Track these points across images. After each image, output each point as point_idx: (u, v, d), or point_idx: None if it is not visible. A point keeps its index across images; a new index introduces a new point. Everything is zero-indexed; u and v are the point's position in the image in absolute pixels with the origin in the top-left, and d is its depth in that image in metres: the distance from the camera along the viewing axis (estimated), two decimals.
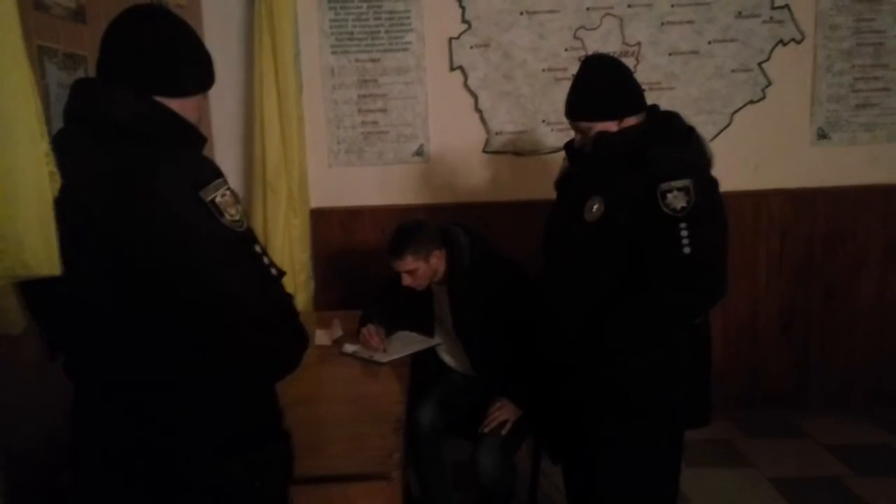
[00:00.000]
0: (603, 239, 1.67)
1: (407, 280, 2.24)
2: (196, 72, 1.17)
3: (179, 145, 1.08)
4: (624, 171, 1.66)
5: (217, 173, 1.07)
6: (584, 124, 1.73)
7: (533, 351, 1.90)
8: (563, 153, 1.91)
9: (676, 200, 1.56)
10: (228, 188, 1.06)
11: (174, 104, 1.12)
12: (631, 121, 1.71)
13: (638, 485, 1.77)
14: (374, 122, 3.11)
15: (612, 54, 2.94)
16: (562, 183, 1.94)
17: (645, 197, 1.59)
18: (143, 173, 1.02)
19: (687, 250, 1.55)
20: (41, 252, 0.91)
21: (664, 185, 1.57)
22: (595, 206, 1.68)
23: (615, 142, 1.69)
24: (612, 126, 1.70)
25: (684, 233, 1.55)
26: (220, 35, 2.96)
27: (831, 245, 3.19)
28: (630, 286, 1.63)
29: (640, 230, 1.61)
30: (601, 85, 1.71)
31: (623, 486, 1.77)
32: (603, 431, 1.76)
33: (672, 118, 1.77)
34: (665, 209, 1.56)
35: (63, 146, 1.03)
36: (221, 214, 1.03)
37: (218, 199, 1.03)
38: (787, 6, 3.04)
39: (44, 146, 0.93)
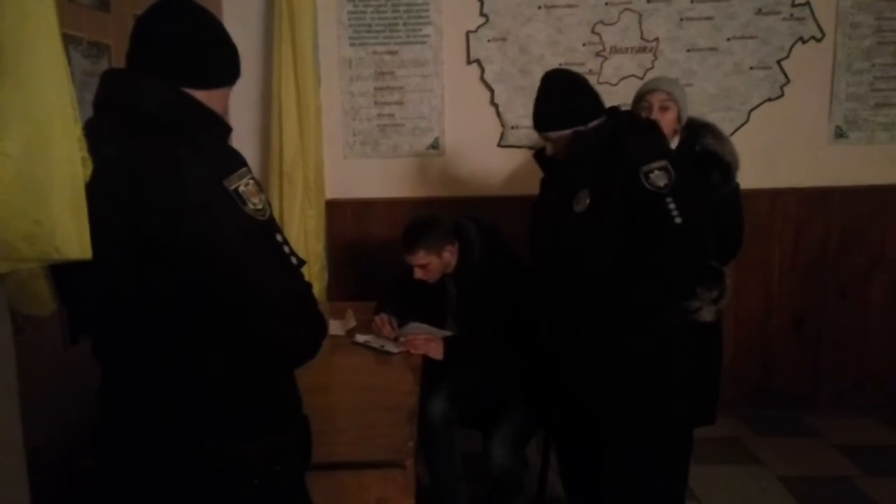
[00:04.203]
0: (593, 226, 1.78)
1: (419, 273, 2.27)
2: (224, 64, 1.19)
3: (205, 135, 1.10)
4: (605, 162, 1.78)
5: (241, 163, 1.08)
6: (553, 134, 1.86)
7: (533, 342, 1.97)
8: None
9: (659, 179, 1.71)
10: (252, 177, 1.08)
11: (201, 95, 1.14)
12: (596, 123, 1.83)
13: (644, 473, 1.83)
14: (391, 115, 3.12)
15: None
16: (543, 183, 2.08)
17: (628, 180, 1.73)
18: (169, 162, 1.03)
19: (679, 220, 1.70)
20: (73, 236, 0.92)
21: (645, 167, 1.72)
22: (584, 199, 1.80)
23: (590, 138, 1.82)
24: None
25: (672, 206, 1.70)
26: (239, 26, 2.97)
27: (846, 244, 3.17)
28: (628, 263, 1.74)
29: (629, 212, 1.73)
30: (566, 95, 1.85)
31: (629, 474, 1.82)
32: (605, 413, 1.83)
33: (633, 114, 2.01)
34: (650, 188, 1.71)
35: (92, 134, 1.05)
36: (244, 203, 1.05)
37: (241, 189, 1.05)
38: (807, 3, 3.01)
39: (77, 131, 0.94)
